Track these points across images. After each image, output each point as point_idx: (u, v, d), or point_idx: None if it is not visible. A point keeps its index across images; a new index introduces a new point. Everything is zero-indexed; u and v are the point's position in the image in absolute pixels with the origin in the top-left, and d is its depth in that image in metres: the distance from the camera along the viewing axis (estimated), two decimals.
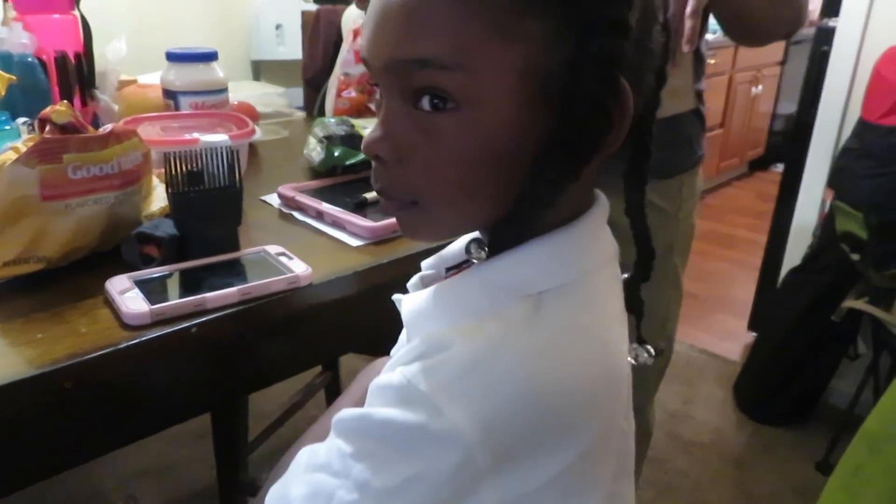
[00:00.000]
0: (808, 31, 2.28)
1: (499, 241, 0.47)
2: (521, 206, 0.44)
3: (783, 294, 2.10)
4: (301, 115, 1.53)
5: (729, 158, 4.04)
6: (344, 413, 0.44)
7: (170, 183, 0.73)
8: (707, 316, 2.66)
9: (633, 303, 0.53)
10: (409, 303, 0.51)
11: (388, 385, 0.42)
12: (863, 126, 1.81)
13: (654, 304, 1.16)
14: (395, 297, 0.55)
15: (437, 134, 0.42)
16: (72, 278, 0.71)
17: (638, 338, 0.54)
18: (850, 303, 1.79)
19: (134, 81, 1.26)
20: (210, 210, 0.75)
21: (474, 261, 0.48)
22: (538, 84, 0.41)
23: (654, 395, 1.24)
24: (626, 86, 0.42)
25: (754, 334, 2.35)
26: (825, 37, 2.06)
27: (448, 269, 0.57)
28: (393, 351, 0.60)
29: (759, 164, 4.43)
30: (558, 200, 0.44)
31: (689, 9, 0.75)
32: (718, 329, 2.57)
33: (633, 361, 0.52)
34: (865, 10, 1.88)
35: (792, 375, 2.02)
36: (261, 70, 2.66)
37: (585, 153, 0.43)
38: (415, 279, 0.57)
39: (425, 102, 0.42)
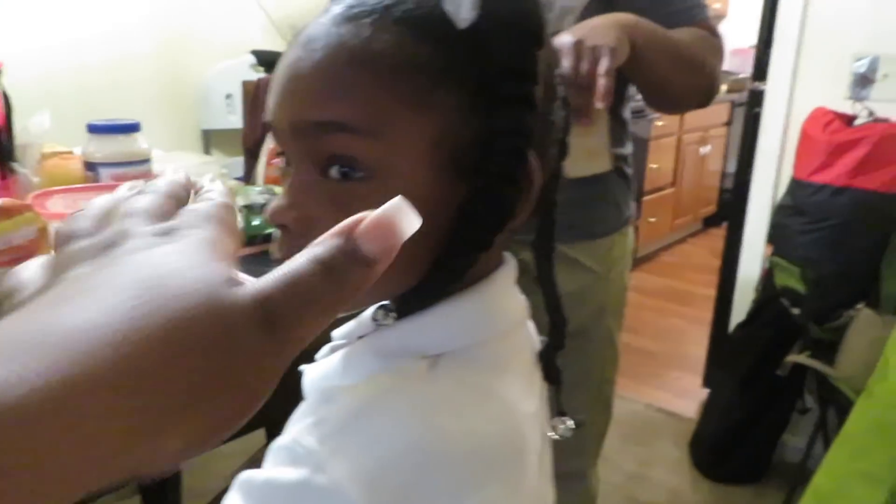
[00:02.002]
0: (743, 95, 2.37)
1: (406, 306, 0.46)
2: (433, 276, 0.44)
3: (731, 350, 2.11)
4: (235, 184, 1.52)
5: (682, 216, 4.12)
6: (241, 475, 0.42)
7: None
8: (663, 374, 2.66)
9: (550, 372, 0.52)
10: (312, 371, 0.50)
11: (278, 447, 0.41)
12: (795, 184, 1.87)
13: (590, 366, 1.16)
14: (302, 367, 0.53)
15: (346, 204, 0.40)
16: None
17: (558, 409, 0.53)
18: (793, 357, 1.80)
19: (58, 154, 1.25)
20: None
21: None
22: (451, 155, 0.41)
23: (595, 458, 1.22)
24: (533, 158, 0.43)
25: (708, 391, 2.35)
26: (756, 99, 2.14)
27: (360, 338, 0.56)
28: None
29: (712, 221, 4.53)
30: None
31: (601, 68, 0.77)
32: (674, 386, 2.56)
33: (554, 435, 0.51)
34: (791, 73, 1.96)
35: (744, 432, 2.01)
36: (211, 139, 2.67)
37: (496, 223, 0.43)
38: (325, 349, 0.56)
39: (334, 171, 0.41)
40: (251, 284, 0.22)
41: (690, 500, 1.97)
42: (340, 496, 0.37)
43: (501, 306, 0.48)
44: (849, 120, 1.80)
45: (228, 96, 2.59)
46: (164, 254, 0.22)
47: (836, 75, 1.89)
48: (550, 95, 0.46)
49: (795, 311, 1.83)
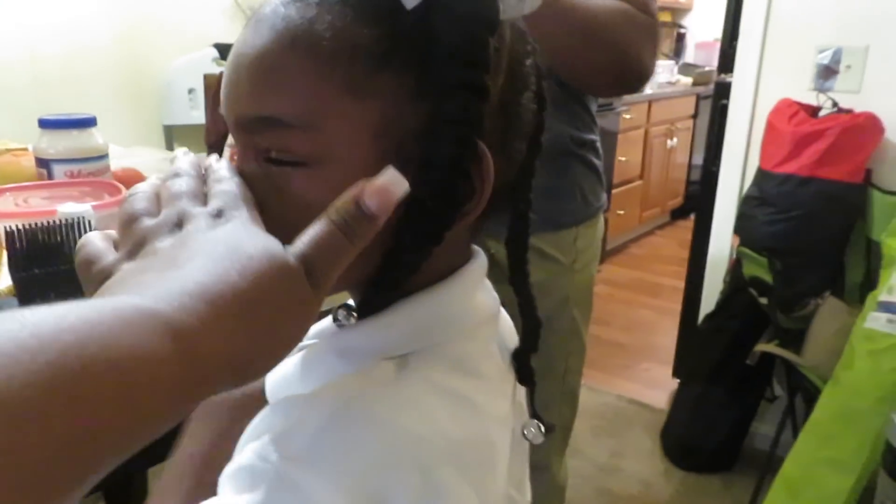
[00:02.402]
0: (710, 87, 2.39)
1: (367, 304, 0.44)
2: (385, 271, 0.42)
3: (700, 340, 2.13)
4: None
5: (650, 208, 4.16)
6: None
7: (12, 261, 0.67)
8: (633, 365, 2.68)
9: (524, 374, 0.50)
10: (274, 373, 0.47)
11: (238, 468, 0.38)
12: (761, 174, 1.89)
13: (554, 357, 1.15)
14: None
15: (286, 189, 0.40)
16: None
17: (531, 412, 0.51)
18: (761, 346, 1.82)
19: (9, 151, 1.19)
20: (67, 292, 0.69)
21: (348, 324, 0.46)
22: (394, 144, 0.40)
23: (561, 450, 1.21)
24: (484, 150, 0.41)
25: (678, 381, 2.37)
26: (724, 91, 2.16)
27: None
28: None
29: (679, 213, 4.58)
30: (425, 263, 0.42)
31: None
32: (645, 377, 2.58)
33: (525, 437, 0.49)
34: (756, 65, 1.98)
35: (714, 421, 2.03)
36: (174, 135, 2.60)
37: (445, 217, 0.41)
38: None
39: (272, 157, 0.40)
40: (292, 248, 0.33)
41: (662, 489, 1.99)
42: None
43: (469, 303, 0.46)
44: (813, 111, 1.83)
45: (191, 91, 2.52)
46: (228, 231, 0.33)
47: (800, 67, 1.91)
48: (517, 87, 0.44)
49: (763, 300, 1.85)
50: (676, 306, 2.48)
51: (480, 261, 0.48)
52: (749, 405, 2.02)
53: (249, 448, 0.38)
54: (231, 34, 2.49)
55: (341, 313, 0.47)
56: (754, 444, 2.08)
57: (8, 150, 1.18)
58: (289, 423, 0.38)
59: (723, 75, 2.24)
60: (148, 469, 1.34)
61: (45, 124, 1.04)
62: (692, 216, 4.44)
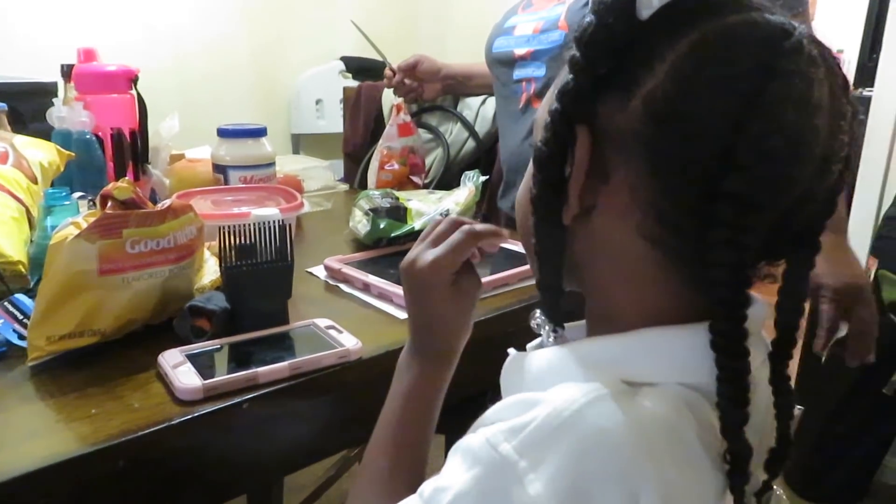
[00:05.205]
0: None
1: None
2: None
3: (829, 366, 2.02)
4: (344, 187, 1.55)
5: None
6: (426, 484, 0.43)
7: (222, 257, 0.74)
8: None
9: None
10: (516, 362, 0.50)
11: (467, 448, 0.41)
12: None
13: None
14: (510, 350, 0.53)
15: None
16: (125, 352, 0.72)
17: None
18: None
19: (182, 156, 1.30)
20: (261, 284, 0.76)
21: (544, 332, 0.51)
22: None
23: None
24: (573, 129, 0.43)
25: (801, 408, 2.26)
26: (861, 106, 2.06)
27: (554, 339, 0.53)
28: None
29: None
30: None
31: None
32: None
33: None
34: None
35: (842, 451, 1.93)
36: (300, 143, 2.73)
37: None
38: (533, 343, 0.55)
39: None
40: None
41: None
42: None
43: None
44: None
45: (318, 102, 2.65)
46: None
47: None
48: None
49: None
50: (799, 331, 2.37)
51: (761, 308, 0.45)
52: (884, 436, 1.91)
53: (481, 432, 0.41)
54: (356, 49, 2.59)
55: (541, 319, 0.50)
56: (886, 479, 1.96)
57: (182, 156, 1.28)
58: (522, 420, 0.40)
59: (860, 89, 2.14)
60: (284, 476, 1.43)
61: (222, 133, 1.13)
62: None
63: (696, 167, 0.40)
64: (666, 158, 0.40)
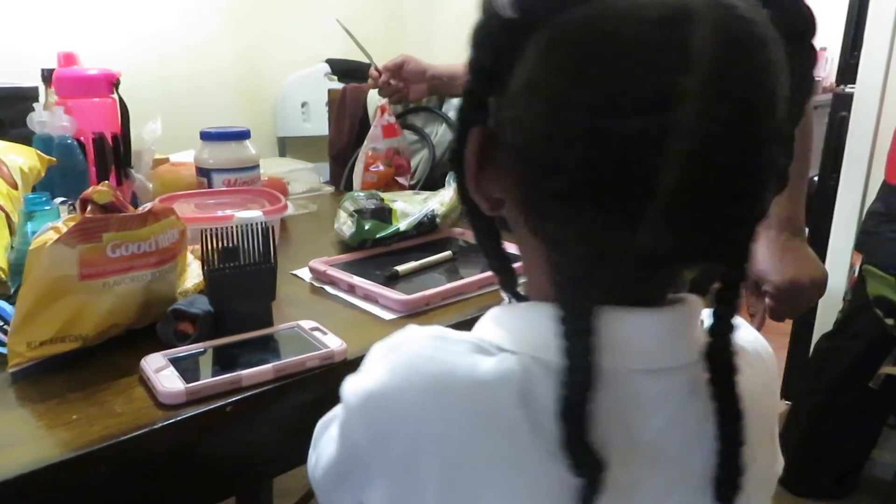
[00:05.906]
0: (824, 98, 2.31)
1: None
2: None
3: (816, 361, 2.04)
4: (329, 189, 1.55)
5: None
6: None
7: (205, 260, 0.73)
8: None
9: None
10: None
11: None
12: (888, 189, 1.80)
13: None
14: None
15: None
16: (107, 357, 0.71)
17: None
18: (888, 369, 1.74)
19: (166, 160, 1.29)
20: (245, 286, 0.75)
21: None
22: None
23: None
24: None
25: (788, 403, 2.28)
26: (843, 103, 2.08)
27: None
28: None
29: None
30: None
31: None
32: None
33: None
34: (882, 75, 1.90)
35: (830, 446, 1.94)
36: (286, 146, 2.72)
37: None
38: None
39: None
40: None
41: None
42: None
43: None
44: None
45: (304, 104, 2.64)
46: None
47: None
48: None
49: (889, 321, 1.77)
50: (782, 325, 2.39)
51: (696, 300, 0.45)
52: (870, 431, 1.92)
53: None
54: (342, 51, 2.58)
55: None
56: (874, 473, 1.98)
57: (165, 160, 1.27)
58: None
59: (842, 86, 2.16)
60: (270, 480, 1.41)
61: (206, 136, 1.13)
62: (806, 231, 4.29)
63: (531, 166, 0.41)
64: (523, 158, 0.41)
